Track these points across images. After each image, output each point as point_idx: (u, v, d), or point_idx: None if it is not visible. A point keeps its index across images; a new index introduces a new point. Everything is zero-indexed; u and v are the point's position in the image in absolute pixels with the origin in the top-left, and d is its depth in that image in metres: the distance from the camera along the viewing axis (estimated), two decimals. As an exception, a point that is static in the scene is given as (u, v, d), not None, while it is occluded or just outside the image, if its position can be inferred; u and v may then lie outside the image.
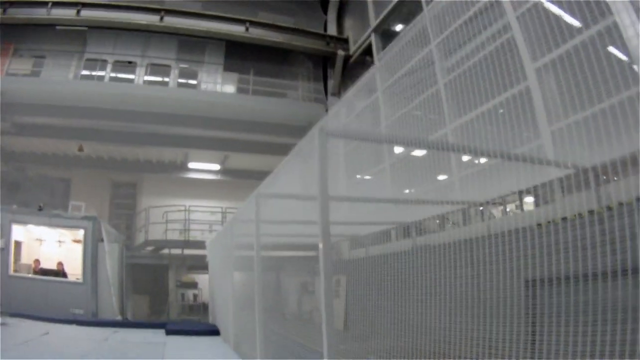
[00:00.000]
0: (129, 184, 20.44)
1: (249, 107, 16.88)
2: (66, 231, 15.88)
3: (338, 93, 16.91)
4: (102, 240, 15.31)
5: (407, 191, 5.30)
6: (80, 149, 17.32)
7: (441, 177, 4.60)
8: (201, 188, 20.03)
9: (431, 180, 4.55)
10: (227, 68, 17.84)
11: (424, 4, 12.24)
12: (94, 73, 16.97)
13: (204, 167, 20.36)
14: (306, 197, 4.84)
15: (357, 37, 16.92)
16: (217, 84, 17.46)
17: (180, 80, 17.80)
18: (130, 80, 17.25)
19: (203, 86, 17.52)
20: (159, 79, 17.58)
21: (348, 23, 17.79)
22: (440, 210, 4.87)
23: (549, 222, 3.04)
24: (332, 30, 17.68)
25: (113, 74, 17.10)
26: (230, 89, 17.61)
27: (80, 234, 15.36)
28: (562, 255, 2.83)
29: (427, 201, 4.82)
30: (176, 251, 17.74)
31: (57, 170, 19.23)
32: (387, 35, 15.00)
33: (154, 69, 17.60)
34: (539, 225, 3.11)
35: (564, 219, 2.88)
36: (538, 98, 3.96)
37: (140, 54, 17.50)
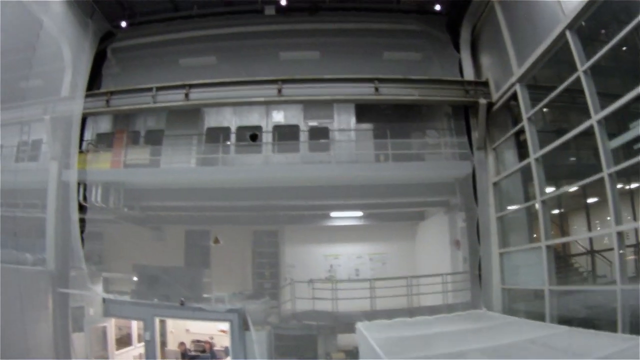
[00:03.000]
0: (270, 232, 19.64)
1: (388, 175, 15.47)
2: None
3: (484, 147, 15.09)
4: (248, 329, 15.02)
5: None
6: (216, 242, 16.52)
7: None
8: (344, 233, 19.29)
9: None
10: (360, 121, 16.70)
11: (576, 58, 10.20)
12: (216, 155, 15.95)
13: (346, 215, 19.43)
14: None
15: (497, 78, 14.72)
16: (352, 151, 16.10)
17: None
18: (258, 149, 16.34)
19: (336, 150, 16.20)
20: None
21: (485, 61, 15.48)
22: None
23: None
24: (468, 72, 15.43)
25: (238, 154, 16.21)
26: (364, 148, 16.25)
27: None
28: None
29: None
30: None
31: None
32: (534, 80, 12.93)
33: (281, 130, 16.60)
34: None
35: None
36: None
37: (264, 128, 16.40)
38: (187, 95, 14.97)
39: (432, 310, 14.73)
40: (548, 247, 11.79)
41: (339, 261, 18.90)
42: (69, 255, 15.58)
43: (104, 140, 16.83)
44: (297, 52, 16.75)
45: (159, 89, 15.14)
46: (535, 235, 13.01)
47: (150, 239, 18.53)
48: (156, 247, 18.43)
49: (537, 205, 12.31)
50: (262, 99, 14.98)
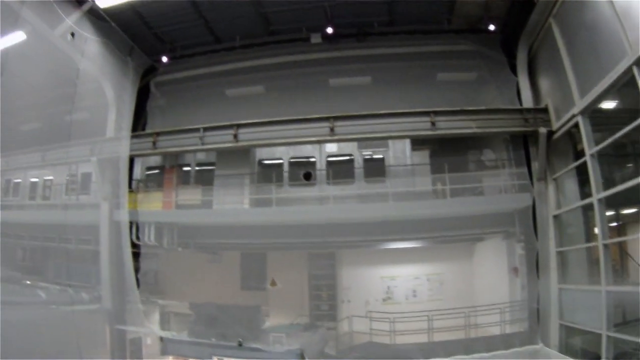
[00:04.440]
0: (326, 255, 19.34)
1: (447, 211, 15.01)
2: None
3: (545, 177, 14.49)
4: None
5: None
6: (273, 284, 16.52)
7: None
8: (400, 255, 18.82)
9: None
10: (415, 148, 16.45)
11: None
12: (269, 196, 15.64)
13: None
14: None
15: (557, 104, 13.87)
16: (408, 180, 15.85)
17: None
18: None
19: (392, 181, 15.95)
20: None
21: (544, 84, 14.63)
22: None
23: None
24: (526, 96, 14.60)
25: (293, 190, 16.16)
26: (421, 182, 15.89)
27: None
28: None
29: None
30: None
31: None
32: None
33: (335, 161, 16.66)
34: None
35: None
36: None
37: (318, 159, 16.52)
38: (235, 136, 14.65)
39: (489, 342, 14.58)
40: (608, 292, 11.28)
41: (395, 282, 18.63)
42: (124, 292, 15.72)
43: (154, 176, 16.71)
44: (347, 78, 16.26)
45: (206, 129, 14.86)
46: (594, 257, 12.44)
47: (207, 262, 18.59)
48: (212, 269, 18.50)
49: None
50: (314, 139, 14.58)
